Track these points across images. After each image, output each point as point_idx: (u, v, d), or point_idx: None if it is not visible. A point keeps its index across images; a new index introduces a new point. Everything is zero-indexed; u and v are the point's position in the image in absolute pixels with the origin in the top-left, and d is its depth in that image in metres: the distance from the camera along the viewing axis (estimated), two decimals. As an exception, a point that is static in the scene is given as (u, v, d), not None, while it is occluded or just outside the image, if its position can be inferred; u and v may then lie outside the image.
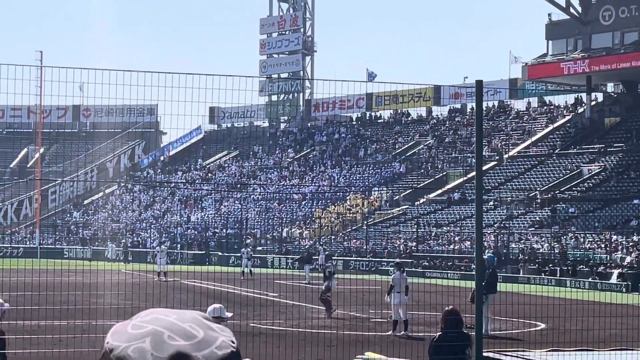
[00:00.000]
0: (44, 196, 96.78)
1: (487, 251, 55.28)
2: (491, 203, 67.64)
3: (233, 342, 1.98)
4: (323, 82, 14.93)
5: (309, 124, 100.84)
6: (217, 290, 38.52)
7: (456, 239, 63.11)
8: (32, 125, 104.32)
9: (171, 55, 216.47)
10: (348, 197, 79.85)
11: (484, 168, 66.87)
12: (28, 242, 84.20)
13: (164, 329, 1.93)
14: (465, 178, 74.54)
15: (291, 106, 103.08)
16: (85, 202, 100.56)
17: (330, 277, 29.05)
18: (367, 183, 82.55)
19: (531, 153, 76.03)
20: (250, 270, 50.09)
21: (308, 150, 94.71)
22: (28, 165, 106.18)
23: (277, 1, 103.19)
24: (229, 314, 12.32)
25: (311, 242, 71.28)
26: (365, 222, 72.05)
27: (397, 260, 30.11)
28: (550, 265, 53.46)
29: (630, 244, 52.93)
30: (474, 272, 12.02)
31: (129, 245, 75.56)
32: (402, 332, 24.10)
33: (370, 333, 24.03)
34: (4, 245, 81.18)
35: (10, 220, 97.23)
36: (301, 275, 50.52)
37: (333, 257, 33.19)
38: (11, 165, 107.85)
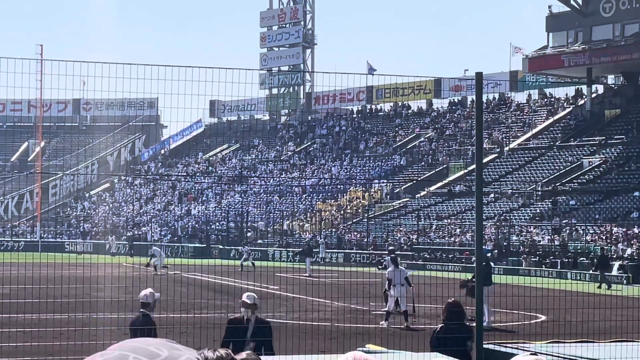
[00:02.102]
0: (44, 190, 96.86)
1: (487, 244, 55.37)
2: (492, 195, 67.66)
3: (198, 358, 2.02)
4: (323, 74, 14.88)
5: (309, 117, 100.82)
6: (218, 283, 38.57)
7: (457, 231, 63.15)
8: (33, 119, 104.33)
9: (172, 48, 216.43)
10: (349, 190, 79.87)
11: (485, 160, 66.89)
12: (29, 236, 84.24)
13: (129, 352, 2.00)
14: (465, 170, 74.53)
15: (292, 99, 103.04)
16: (91, 192, 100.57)
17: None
18: (367, 176, 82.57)
19: (532, 145, 75.99)
20: (253, 263, 50.78)
21: (309, 144, 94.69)
22: (29, 159, 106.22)
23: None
24: None
25: (311, 235, 71.29)
26: (366, 215, 72.05)
27: (392, 255, 30.08)
28: (551, 258, 53.50)
29: (631, 235, 52.95)
30: (474, 265, 12.03)
31: (133, 238, 75.56)
32: (404, 324, 24.16)
33: (371, 325, 24.05)
34: (5, 239, 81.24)
35: (11, 214, 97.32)
36: (301, 268, 50.56)
37: (395, 252, 32.47)
38: (12, 159, 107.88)
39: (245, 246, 56.85)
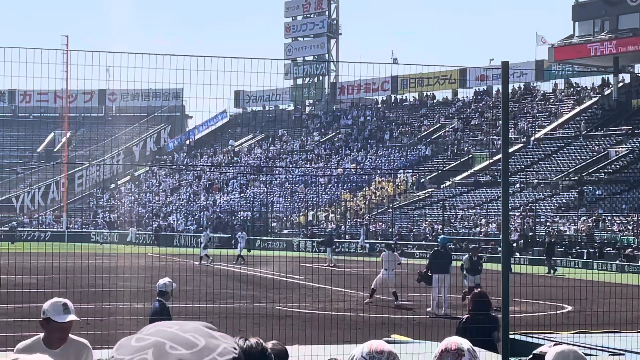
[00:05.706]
0: (70, 180, 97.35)
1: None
2: (517, 185, 67.40)
3: (235, 348, 2.02)
4: (348, 65, 14.94)
5: (334, 107, 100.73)
6: (243, 273, 38.67)
7: (482, 221, 62.94)
8: (59, 110, 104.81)
9: (196, 38, 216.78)
10: (373, 181, 79.78)
11: (510, 150, 66.61)
12: (55, 226, 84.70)
13: (165, 339, 1.97)
14: (491, 160, 74.28)
15: (316, 89, 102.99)
16: (120, 182, 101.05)
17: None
18: (392, 166, 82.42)
19: (557, 135, 75.61)
20: (207, 255, 46.15)
21: (333, 134, 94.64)
22: (55, 150, 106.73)
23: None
24: None
25: (334, 225, 71.14)
26: (391, 205, 71.94)
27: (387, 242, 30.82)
28: (577, 248, 53.24)
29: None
30: (500, 255, 11.98)
31: (159, 229, 75.70)
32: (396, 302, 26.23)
33: (396, 315, 24.03)
34: (32, 229, 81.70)
35: (37, 204, 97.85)
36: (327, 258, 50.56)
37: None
38: (38, 150, 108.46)
39: (205, 231, 50.48)
